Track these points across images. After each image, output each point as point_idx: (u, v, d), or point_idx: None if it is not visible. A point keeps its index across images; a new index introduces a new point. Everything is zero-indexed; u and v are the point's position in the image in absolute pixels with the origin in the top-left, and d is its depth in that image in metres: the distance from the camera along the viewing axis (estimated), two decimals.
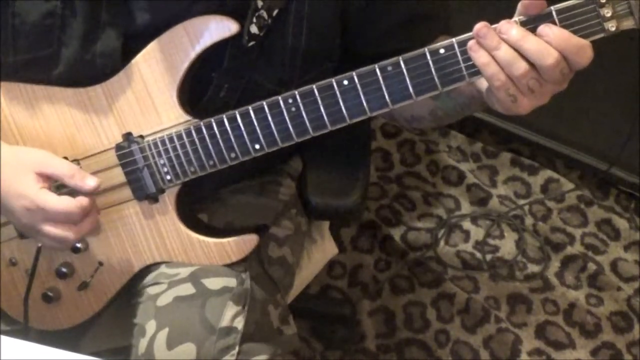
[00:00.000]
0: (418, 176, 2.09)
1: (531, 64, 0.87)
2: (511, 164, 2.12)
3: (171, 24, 1.00)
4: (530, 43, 0.86)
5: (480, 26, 0.88)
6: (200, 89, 1.04)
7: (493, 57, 0.87)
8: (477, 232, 1.98)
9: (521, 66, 0.87)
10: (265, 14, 0.99)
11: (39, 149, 1.03)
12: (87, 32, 1.00)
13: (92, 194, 1.00)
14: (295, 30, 1.03)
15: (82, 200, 0.98)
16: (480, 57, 0.88)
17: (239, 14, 0.99)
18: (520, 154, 2.12)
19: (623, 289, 1.87)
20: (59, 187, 1.01)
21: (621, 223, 2.00)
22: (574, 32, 0.87)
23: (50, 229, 0.98)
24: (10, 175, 0.99)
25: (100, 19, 1.00)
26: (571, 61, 0.87)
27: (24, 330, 1.08)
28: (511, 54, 0.87)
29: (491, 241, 1.97)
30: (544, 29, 0.87)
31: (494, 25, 0.88)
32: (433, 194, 2.06)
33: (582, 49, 0.86)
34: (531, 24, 0.87)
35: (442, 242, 1.96)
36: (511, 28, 0.87)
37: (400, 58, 0.92)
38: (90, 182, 0.99)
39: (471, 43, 0.88)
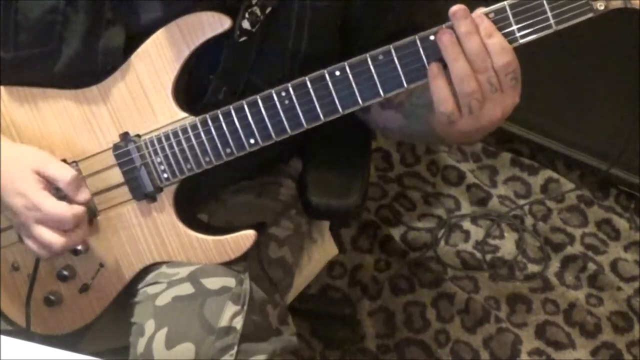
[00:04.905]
0: (418, 176, 2.09)
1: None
2: (511, 164, 2.11)
3: None
4: (471, 43, 0.87)
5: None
6: (199, 91, 1.04)
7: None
8: (477, 232, 1.98)
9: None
10: (258, 11, 0.99)
11: (42, 150, 1.03)
12: (89, 29, 1.01)
13: (83, 204, 1.00)
14: (295, 34, 1.03)
15: (77, 209, 0.99)
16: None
17: (235, 12, 0.99)
18: (520, 154, 2.12)
19: (623, 289, 1.87)
20: (58, 191, 1.01)
21: (621, 223, 1.99)
22: (565, 12, 0.87)
23: (40, 230, 0.98)
24: (12, 173, 1.00)
25: (104, 16, 1.01)
26: (495, 62, 0.87)
27: (26, 335, 1.08)
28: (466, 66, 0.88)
29: (491, 241, 1.96)
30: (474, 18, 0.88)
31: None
32: (433, 194, 2.06)
33: (506, 49, 0.87)
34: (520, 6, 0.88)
35: (442, 242, 1.96)
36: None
37: (391, 46, 0.92)
38: (82, 195, 1.00)
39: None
